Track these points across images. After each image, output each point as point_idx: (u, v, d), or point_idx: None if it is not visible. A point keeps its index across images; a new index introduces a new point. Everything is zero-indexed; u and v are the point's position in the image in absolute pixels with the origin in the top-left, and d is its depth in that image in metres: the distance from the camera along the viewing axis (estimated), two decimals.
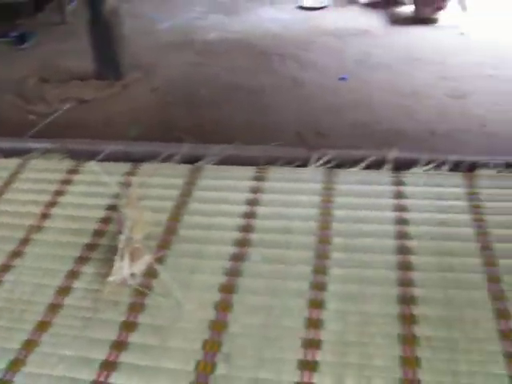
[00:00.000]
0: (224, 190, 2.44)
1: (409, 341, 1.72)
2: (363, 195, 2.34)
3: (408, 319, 1.79)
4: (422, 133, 3.44)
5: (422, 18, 5.80)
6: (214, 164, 2.63)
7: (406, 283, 1.92)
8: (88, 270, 2.08)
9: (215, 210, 2.33)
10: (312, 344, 1.72)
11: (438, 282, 1.93)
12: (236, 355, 1.71)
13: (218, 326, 1.80)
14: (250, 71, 4.57)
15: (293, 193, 2.37)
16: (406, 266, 1.99)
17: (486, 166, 2.54)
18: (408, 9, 6.03)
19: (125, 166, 2.65)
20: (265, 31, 5.55)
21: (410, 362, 1.66)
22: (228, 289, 1.94)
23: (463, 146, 3.24)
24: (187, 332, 1.80)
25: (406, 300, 1.86)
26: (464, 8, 6.02)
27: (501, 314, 1.82)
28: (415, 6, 5.92)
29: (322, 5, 6.29)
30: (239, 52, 5.01)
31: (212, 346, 1.74)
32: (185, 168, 2.60)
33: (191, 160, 2.67)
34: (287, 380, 1.62)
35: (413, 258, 2.02)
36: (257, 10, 6.11)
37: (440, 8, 5.82)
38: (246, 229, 2.20)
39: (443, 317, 1.80)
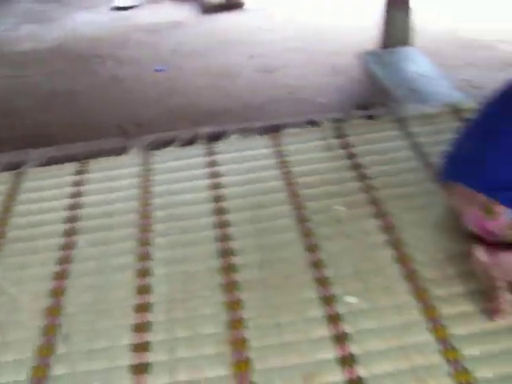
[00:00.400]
0: (48, 188, 2.47)
1: (231, 287, 1.88)
2: (179, 169, 2.47)
3: (228, 269, 1.95)
4: (237, 108, 3.63)
5: (230, 4, 6.03)
6: (37, 167, 2.65)
7: (224, 239, 2.08)
8: None
9: (41, 208, 2.36)
10: (143, 308, 1.83)
11: (252, 232, 2.10)
12: (74, 333, 1.78)
13: (55, 311, 1.86)
14: (68, 76, 4.56)
15: (113, 179, 2.46)
16: (222, 224, 2.15)
17: (290, 126, 2.76)
18: None
19: None
20: (81, 35, 5.53)
21: (233, 305, 1.81)
22: (60, 276, 2.00)
23: (275, 114, 3.43)
24: (24, 323, 1.84)
25: (225, 253, 2.01)
26: None
27: (310, 249, 2.02)
28: None
29: (135, 3, 6.35)
30: (57, 58, 4.97)
31: (50, 330, 1.79)
32: (6, 175, 2.60)
33: (15, 167, 2.67)
34: (122, 344, 1.72)
35: (228, 217, 2.18)
36: (72, 16, 6.06)
37: None
38: (72, 219, 2.26)
39: (259, 261, 1.97)
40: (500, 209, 1.80)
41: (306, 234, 2.08)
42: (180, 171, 2.46)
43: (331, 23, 5.23)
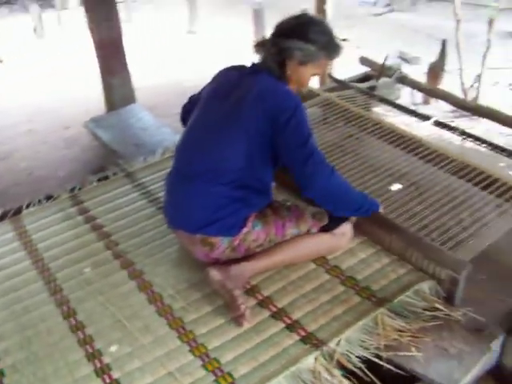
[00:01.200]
0: None
1: None
2: None
3: None
4: None
5: None
6: None
7: None
8: None
9: None
10: None
11: (9, 317, 2.06)
12: None
13: None
14: None
15: None
16: None
17: (29, 205, 2.72)
18: None
19: None
20: None
21: None
22: None
23: (17, 198, 3.33)
24: None
25: None
26: None
27: (68, 315, 2.03)
28: None
29: None
30: None
31: None
32: None
33: None
34: None
35: None
36: None
37: None
38: None
39: (20, 341, 1.94)
40: (215, 240, 2.00)
41: (61, 302, 2.09)
42: None
43: (57, 100, 5.26)
